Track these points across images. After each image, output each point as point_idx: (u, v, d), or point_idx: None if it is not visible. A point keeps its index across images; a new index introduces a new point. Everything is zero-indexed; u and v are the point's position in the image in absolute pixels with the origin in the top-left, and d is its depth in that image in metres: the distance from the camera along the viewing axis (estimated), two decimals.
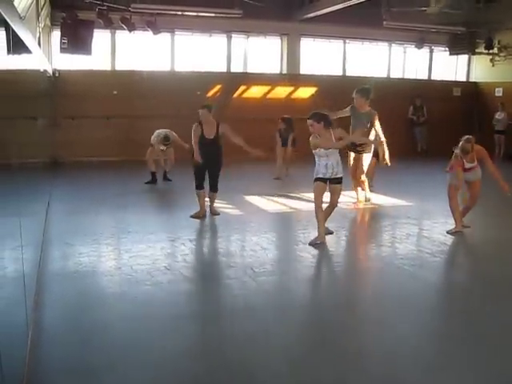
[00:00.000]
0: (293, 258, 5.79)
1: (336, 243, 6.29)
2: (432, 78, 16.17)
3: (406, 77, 15.78)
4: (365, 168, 7.92)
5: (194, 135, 7.07)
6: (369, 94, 7.86)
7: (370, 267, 5.71)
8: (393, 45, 15.45)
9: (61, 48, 10.95)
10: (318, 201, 6.02)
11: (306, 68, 14.62)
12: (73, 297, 4.45)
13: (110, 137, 12.33)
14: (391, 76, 15.58)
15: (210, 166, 7.19)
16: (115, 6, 11.61)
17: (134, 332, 3.79)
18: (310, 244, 5.99)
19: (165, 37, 13.18)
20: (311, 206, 6.53)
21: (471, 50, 15.04)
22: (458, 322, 4.13)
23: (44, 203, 7.50)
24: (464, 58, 16.09)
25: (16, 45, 4.84)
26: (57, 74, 12.10)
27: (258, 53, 14.41)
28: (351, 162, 8.13)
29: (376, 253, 6.06)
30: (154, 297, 4.50)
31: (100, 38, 12.27)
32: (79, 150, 12.10)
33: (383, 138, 7.77)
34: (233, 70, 14.18)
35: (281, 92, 14.02)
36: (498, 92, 15.08)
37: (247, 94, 13.82)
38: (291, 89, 14.13)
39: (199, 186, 7.26)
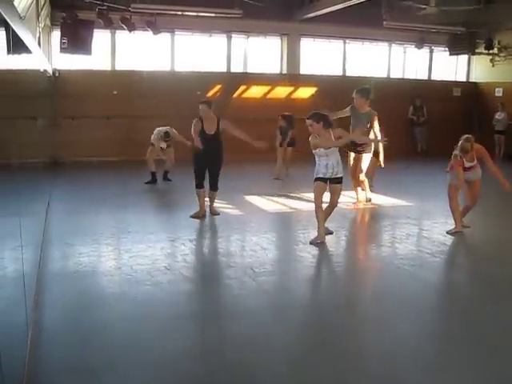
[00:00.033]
0: (293, 258, 5.79)
1: (336, 243, 6.29)
2: (432, 78, 16.17)
3: (406, 77, 15.78)
4: (364, 168, 7.92)
5: (194, 130, 7.06)
6: (369, 94, 7.86)
7: (370, 267, 5.72)
8: (393, 45, 15.45)
9: (61, 48, 10.95)
10: (318, 201, 6.03)
11: (305, 68, 14.62)
12: (73, 297, 4.45)
13: (110, 137, 12.33)
14: (391, 76, 15.58)
15: (210, 164, 7.16)
16: (115, 5, 11.61)
17: (133, 332, 3.79)
18: (311, 243, 5.99)
19: (165, 37, 13.17)
20: (311, 206, 6.53)
21: (471, 50, 15.04)
22: (458, 322, 4.13)
23: (44, 203, 7.50)
24: (464, 58, 16.09)
25: (16, 45, 4.84)
26: (57, 74, 12.09)
27: (258, 53, 14.41)
28: (351, 162, 8.13)
29: (376, 253, 6.06)
30: (154, 297, 4.50)
31: (100, 38, 12.27)
32: (79, 149, 12.10)
33: (378, 134, 7.73)
34: (233, 70, 14.18)
35: (281, 92, 14.02)
36: (498, 92, 15.08)
37: (247, 94, 13.82)
38: (291, 89, 14.13)
39: (199, 185, 7.25)
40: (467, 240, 6.55)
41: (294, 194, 8.90)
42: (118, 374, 3.23)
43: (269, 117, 11.88)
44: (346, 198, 7.99)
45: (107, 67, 13.15)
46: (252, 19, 13.00)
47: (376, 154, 8.15)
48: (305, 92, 14.14)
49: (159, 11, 12.15)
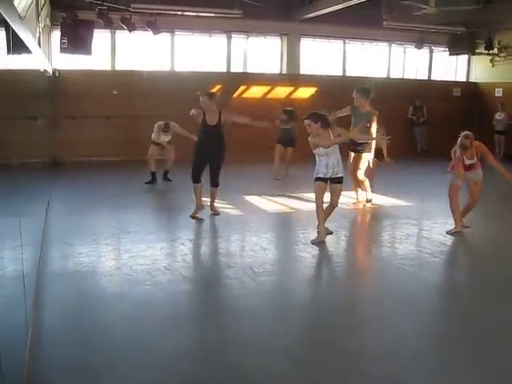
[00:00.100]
0: (292, 258, 5.79)
1: (336, 243, 6.29)
2: (432, 78, 16.17)
3: (405, 77, 15.78)
4: (363, 167, 7.91)
5: (196, 115, 7.06)
6: (369, 94, 7.85)
7: (370, 267, 5.72)
8: (393, 45, 15.45)
9: (61, 48, 10.95)
10: (318, 201, 6.02)
11: (305, 68, 14.62)
12: (72, 297, 4.45)
13: (110, 137, 12.33)
14: (391, 76, 15.58)
15: (211, 158, 7.09)
16: (115, 5, 11.61)
17: (133, 332, 3.79)
18: (312, 243, 5.98)
19: (165, 37, 13.17)
20: (311, 206, 6.53)
21: (471, 51, 15.04)
22: (458, 322, 4.13)
23: (44, 203, 7.50)
24: (464, 58, 16.09)
25: (16, 45, 4.84)
26: (57, 74, 12.09)
27: (258, 53, 14.41)
28: (351, 162, 8.13)
29: (376, 253, 6.06)
30: (154, 297, 4.50)
31: (100, 37, 12.26)
32: (79, 149, 12.10)
33: (374, 135, 7.69)
34: (233, 70, 14.17)
35: (281, 92, 14.02)
36: (498, 92, 15.08)
37: (247, 94, 13.82)
38: (291, 89, 14.14)
39: (195, 180, 7.16)
40: (467, 240, 6.55)
41: (294, 194, 8.90)
42: (117, 374, 3.23)
43: (269, 117, 11.85)
44: (346, 199, 7.99)
45: (107, 67, 13.15)
46: (252, 19, 13.00)
47: (376, 153, 8.15)
48: (305, 92, 14.14)
49: (159, 11, 12.15)
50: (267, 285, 4.87)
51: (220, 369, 3.33)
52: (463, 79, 16.47)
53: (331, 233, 6.33)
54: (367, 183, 8.06)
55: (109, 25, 11.61)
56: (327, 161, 5.94)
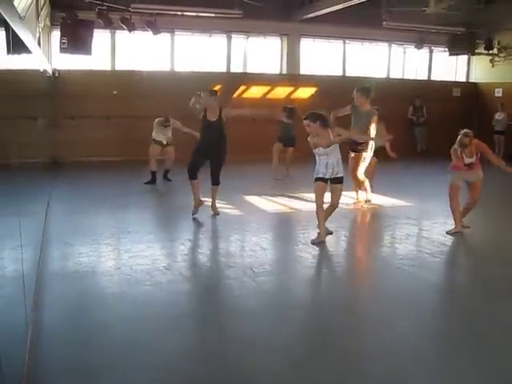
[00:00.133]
0: (292, 258, 5.79)
1: (336, 243, 6.29)
2: (432, 78, 16.17)
3: (405, 77, 15.78)
4: (362, 167, 7.91)
5: (196, 108, 7.09)
6: (369, 93, 7.86)
7: (370, 267, 5.72)
8: (392, 45, 15.45)
9: (61, 48, 10.95)
10: (318, 201, 6.01)
11: (305, 68, 14.62)
12: (72, 297, 4.45)
13: (110, 137, 12.33)
14: (391, 76, 15.58)
15: (211, 157, 7.08)
16: (115, 5, 11.61)
17: (133, 332, 3.79)
18: (312, 243, 5.98)
19: (165, 37, 13.17)
20: (311, 207, 6.53)
21: (471, 51, 15.04)
22: (459, 322, 4.13)
23: (44, 203, 7.49)
24: (464, 58, 16.10)
25: (16, 45, 4.83)
26: (57, 74, 12.09)
27: (258, 53, 14.41)
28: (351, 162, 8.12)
29: (376, 253, 6.06)
30: (154, 297, 4.49)
31: (100, 38, 12.26)
32: (79, 149, 12.10)
33: (373, 135, 7.68)
34: (233, 70, 14.17)
35: (280, 92, 14.02)
36: (498, 92, 15.08)
37: (247, 95, 13.82)
38: (291, 89, 14.14)
39: (192, 176, 7.12)
40: (467, 240, 6.55)
41: (293, 194, 8.89)
42: (117, 375, 3.23)
43: (268, 117, 11.87)
44: (346, 199, 7.98)
45: (107, 67, 13.15)
46: (252, 19, 13.00)
47: (378, 152, 8.15)
48: (304, 92, 14.14)
49: (159, 11, 12.15)
50: (267, 285, 4.87)
51: (220, 369, 3.33)
52: (463, 79, 16.47)
53: (331, 233, 6.32)
54: (367, 183, 8.07)
55: (109, 25, 11.61)
56: (327, 160, 5.94)
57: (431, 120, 14.82)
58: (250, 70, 14.26)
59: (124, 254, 5.63)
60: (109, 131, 12.35)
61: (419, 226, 7.33)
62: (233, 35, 13.99)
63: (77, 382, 3.17)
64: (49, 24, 11.13)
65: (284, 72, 14.54)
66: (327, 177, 5.97)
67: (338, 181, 6.02)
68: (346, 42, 14.95)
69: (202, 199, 7.34)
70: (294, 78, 14.33)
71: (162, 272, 5.07)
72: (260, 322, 4.04)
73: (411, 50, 15.32)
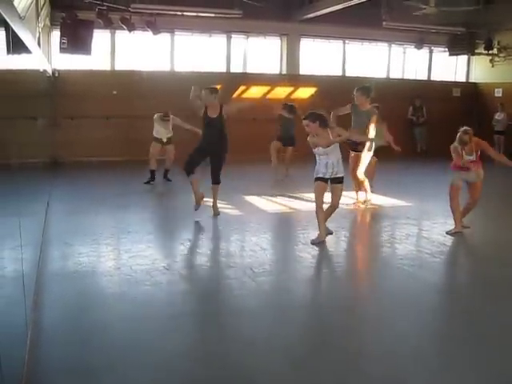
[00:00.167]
0: (292, 258, 5.79)
1: (336, 243, 6.29)
2: (432, 78, 16.17)
3: (405, 77, 15.79)
4: (363, 167, 7.91)
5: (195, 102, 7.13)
6: (369, 92, 7.87)
7: (370, 267, 5.72)
8: (392, 45, 15.45)
9: (60, 48, 10.96)
10: (318, 201, 6.00)
11: (305, 68, 14.62)
12: (72, 297, 4.45)
13: (110, 137, 12.33)
14: (391, 76, 15.58)
15: (212, 155, 7.07)
16: (115, 6, 11.62)
17: (133, 332, 3.79)
18: (312, 243, 5.98)
19: (164, 37, 13.18)
20: (311, 207, 6.53)
21: (471, 51, 15.05)
22: (459, 322, 4.13)
23: (44, 203, 7.49)
24: (463, 58, 16.10)
25: (16, 45, 4.83)
26: (56, 74, 12.09)
27: (258, 53, 14.41)
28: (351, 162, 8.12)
29: (375, 253, 6.06)
30: (154, 297, 4.49)
31: (100, 38, 12.27)
32: (79, 149, 12.10)
33: (372, 135, 7.65)
34: (232, 70, 14.18)
35: (280, 92, 14.02)
36: (498, 92, 15.09)
37: (247, 95, 13.82)
38: (291, 89, 14.14)
39: (188, 172, 7.09)
40: (467, 240, 6.55)
41: (293, 194, 8.89)
42: (117, 374, 3.23)
43: (268, 117, 11.87)
44: (346, 199, 7.98)
45: (107, 67, 13.15)
46: (252, 19, 13.00)
47: (377, 152, 8.15)
48: (304, 92, 14.14)
49: (159, 11, 12.16)
50: (267, 285, 4.87)
51: (220, 369, 3.32)
52: (463, 79, 16.48)
53: (331, 233, 6.31)
54: (367, 183, 8.05)
55: (108, 25, 11.62)
56: (327, 160, 5.93)
57: (431, 120, 14.83)
58: (249, 70, 14.26)
59: (124, 254, 5.63)
60: (109, 131, 12.35)
61: (419, 226, 7.34)
62: (233, 35, 14.00)
63: (77, 381, 3.17)
64: (49, 24, 11.13)
65: (284, 72, 14.55)
66: (327, 176, 5.96)
67: (338, 181, 6.01)
68: (346, 42, 14.95)
69: (204, 199, 7.32)
70: (293, 78, 14.33)
71: (161, 272, 5.07)
72: (260, 322, 4.04)
73: (411, 50, 15.33)
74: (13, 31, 4.09)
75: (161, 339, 3.70)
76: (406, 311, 4.26)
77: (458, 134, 6.24)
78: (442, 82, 15.96)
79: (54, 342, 3.63)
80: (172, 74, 13.46)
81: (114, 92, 12.49)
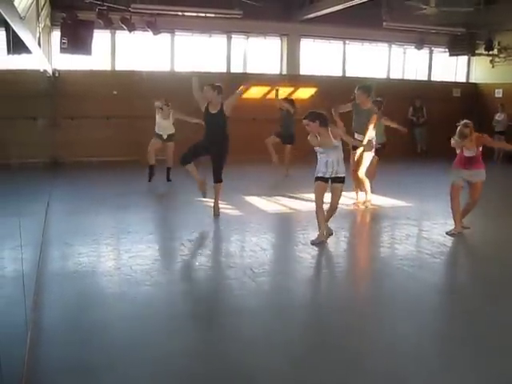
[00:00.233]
0: (292, 258, 5.79)
1: (336, 244, 6.29)
2: (432, 78, 16.17)
3: (405, 78, 15.78)
4: (364, 167, 7.91)
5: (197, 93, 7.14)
6: (370, 91, 7.89)
7: (370, 268, 5.72)
8: (393, 46, 15.45)
9: (61, 48, 10.96)
10: (318, 201, 5.98)
11: (305, 69, 14.62)
12: (72, 297, 4.45)
13: (110, 137, 12.32)
14: (391, 77, 15.58)
15: (212, 151, 7.05)
16: (115, 6, 11.61)
17: (133, 332, 3.79)
18: (312, 243, 5.97)
19: (165, 37, 13.18)
20: (311, 207, 6.53)
21: (471, 51, 15.05)
22: (459, 322, 4.13)
23: (44, 203, 7.49)
24: (464, 59, 16.10)
25: (16, 45, 4.84)
26: (57, 74, 12.09)
27: (258, 53, 14.41)
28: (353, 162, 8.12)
29: (375, 254, 6.06)
30: (154, 297, 4.50)
31: (100, 38, 12.27)
32: (79, 150, 12.09)
33: (367, 139, 7.60)
34: (233, 70, 14.18)
35: (280, 92, 13.98)
36: (498, 93, 15.09)
37: (247, 95, 13.77)
38: (291, 89, 14.13)
39: (183, 161, 7.06)
40: (467, 241, 6.55)
41: (293, 195, 8.89)
42: (117, 373, 3.23)
43: (268, 117, 11.89)
44: (346, 200, 7.98)
45: (107, 67, 13.15)
46: (252, 20, 13.00)
47: (378, 152, 8.16)
48: (304, 93, 14.14)
49: (159, 11, 12.16)
50: (267, 285, 4.87)
51: (220, 367, 3.33)
52: (463, 80, 16.47)
53: (331, 234, 6.29)
54: (367, 183, 8.04)
55: (109, 25, 11.62)
56: (326, 159, 5.92)
57: (431, 120, 14.82)
58: (250, 71, 14.25)
59: (124, 254, 5.63)
60: (109, 131, 12.35)
61: (419, 227, 7.34)
62: (233, 35, 14.00)
63: (77, 381, 3.17)
64: (49, 24, 11.13)
65: (284, 72, 14.54)
66: (327, 176, 5.95)
67: (338, 180, 5.98)
68: (346, 42, 14.95)
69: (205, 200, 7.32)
70: (294, 78, 14.32)
71: (161, 272, 5.07)
72: (260, 322, 4.04)
73: (411, 50, 15.32)
74: (13, 31, 4.09)
75: (161, 338, 3.70)
76: (406, 311, 4.26)
77: (459, 128, 6.20)
78: (443, 82, 15.95)
79: (54, 342, 3.63)
80: (172, 74, 13.45)
81: (115, 92, 12.49)
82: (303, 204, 8.18)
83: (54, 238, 6.24)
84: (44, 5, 8.48)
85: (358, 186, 8.13)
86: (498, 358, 3.49)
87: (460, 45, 14.77)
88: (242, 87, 7.36)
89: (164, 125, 9.84)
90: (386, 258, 5.80)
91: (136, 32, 12.17)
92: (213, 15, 12.70)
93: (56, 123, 11.75)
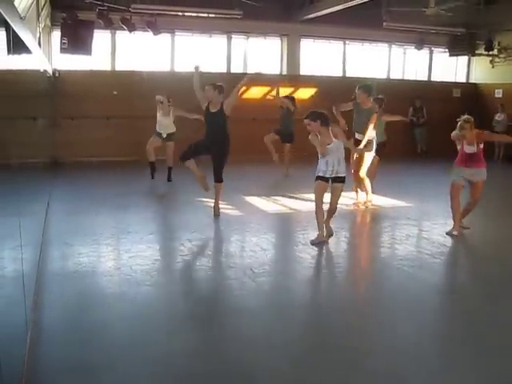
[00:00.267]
0: (292, 258, 5.79)
1: (336, 244, 6.28)
2: (432, 79, 16.17)
3: (405, 78, 15.78)
4: (365, 167, 7.91)
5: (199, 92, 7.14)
6: (371, 91, 7.89)
7: (370, 268, 5.72)
8: (393, 46, 15.45)
9: (61, 48, 10.96)
10: (318, 201, 5.97)
11: (305, 69, 14.62)
12: (72, 297, 4.45)
13: (110, 137, 12.32)
14: (391, 77, 15.58)
15: (212, 150, 7.05)
16: (115, 6, 11.61)
17: (133, 332, 3.79)
18: (312, 243, 5.97)
19: (165, 37, 13.18)
20: (311, 207, 6.53)
21: (471, 52, 15.05)
22: (459, 322, 4.13)
23: (44, 203, 7.50)
24: (464, 59, 16.10)
25: (16, 45, 4.84)
26: (57, 74, 12.09)
27: (258, 53, 14.41)
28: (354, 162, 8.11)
29: (375, 254, 6.06)
30: (154, 297, 4.50)
31: (100, 38, 12.27)
32: (79, 150, 12.09)
33: (366, 139, 7.64)
34: (233, 70, 14.18)
35: (281, 93, 13.99)
36: (498, 93, 15.09)
37: (247, 95, 13.81)
38: (291, 89, 14.13)
39: (183, 157, 7.07)
40: (467, 241, 6.55)
41: (293, 195, 8.89)
42: (117, 373, 3.23)
43: (268, 117, 11.89)
44: (346, 200, 7.98)
45: (107, 67, 13.15)
46: (252, 20, 13.00)
47: (379, 152, 8.15)
48: (305, 93, 14.14)
49: (159, 12, 12.16)
50: (267, 285, 4.87)
51: (220, 369, 3.33)
52: (463, 80, 16.47)
53: (331, 234, 6.25)
54: (368, 183, 8.03)
55: (109, 25, 11.62)
56: (327, 158, 5.92)
57: (431, 121, 14.82)
58: (250, 71, 14.24)
59: (124, 254, 5.63)
60: (109, 131, 12.35)
61: (419, 227, 7.34)
62: (233, 36, 14.00)
63: (77, 380, 3.17)
64: (49, 24, 11.14)
65: (284, 73, 14.54)
66: (327, 175, 5.94)
67: (338, 180, 5.97)
68: (346, 42, 14.95)
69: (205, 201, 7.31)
70: (294, 78, 14.33)
71: (161, 272, 5.07)
72: (260, 321, 4.04)
73: (411, 50, 15.32)
74: (13, 31, 4.09)
75: (161, 338, 3.70)
76: (406, 312, 4.26)
77: (459, 123, 6.20)
78: (443, 82, 15.96)
79: (54, 342, 3.63)
80: (172, 75, 13.45)
81: (115, 92, 12.49)
82: (303, 204, 8.17)
83: (54, 238, 6.24)
84: (44, 5, 8.48)
85: (359, 186, 8.12)
86: (498, 358, 3.49)
87: (460, 45, 14.78)
88: (247, 76, 7.33)
89: (164, 123, 9.82)
90: (386, 259, 5.80)
91: (136, 32, 12.17)
92: (213, 15, 12.70)
93: (56, 123, 11.75)
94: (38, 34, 6.86)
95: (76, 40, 10.83)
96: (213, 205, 7.34)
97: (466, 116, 6.23)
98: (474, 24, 14.20)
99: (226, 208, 7.78)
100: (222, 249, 6.26)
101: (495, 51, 14.82)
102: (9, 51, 5.01)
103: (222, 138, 7.07)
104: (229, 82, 7.34)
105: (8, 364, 2.60)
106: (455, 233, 6.45)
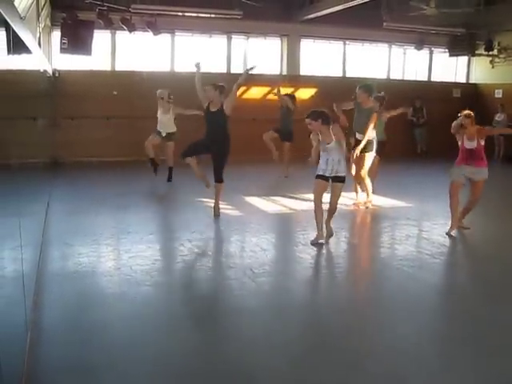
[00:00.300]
0: (292, 259, 5.79)
1: (335, 244, 6.28)
2: (432, 79, 16.17)
3: (405, 78, 15.78)
4: (367, 167, 7.90)
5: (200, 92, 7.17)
6: (372, 90, 7.90)
7: (370, 268, 5.72)
8: (393, 46, 15.45)
9: (61, 48, 10.96)
10: (317, 200, 5.98)
11: (306, 69, 14.62)
12: (72, 297, 4.45)
13: (110, 137, 12.32)
14: (391, 77, 15.58)
15: (212, 149, 7.05)
16: (115, 6, 11.62)
17: (133, 331, 3.79)
18: (312, 243, 5.97)
19: (165, 37, 13.18)
20: (311, 207, 6.52)
21: (471, 52, 15.05)
22: (459, 322, 4.13)
23: (44, 203, 7.49)
24: (464, 59, 16.10)
25: (16, 45, 4.84)
26: (57, 74, 12.09)
27: (258, 54, 14.41)
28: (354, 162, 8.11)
29: (375, 254, 6.06)
30: (154, 297, 4.50)
31: (100, 38, 12.27)
32: (79, 150, 12.09)
33: (366, 139, 7.65)
34: (233, 70, 14.18)
35: (282, 92, 13.99)
36: (498, 93, 15.09)
37: (247, 95, 13.82)
38: (291, 90, 14.12)
39: (184, 154, 7.09)
40: (467, 241, 6.55)
41: (294, 195, 8.89)
42: (117, 372, 3.23)
43: (268, 117, 11.88)
44: (346, 199, 7.99)
45: (107, 68, 13.15)
46: (252, 20, 13.01)
47: (379, 152, 8.15)
48: (305, 93, 14.14)
49: (159, 12, 12.16)
50: (267, 285, 4.87)
51: (220, 369, 3.33)
52: (463, 80, 16.48)
53: (332, 235, 6.24)
54: (368, 183, 8.03)
55: (109, 25, 11.62)
56: (327, 156, 5.92)
57: (431, 121, 14.82)
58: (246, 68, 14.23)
59: (124, 254, 5.63)
60: (109, 131, 12.35)
61: (419, 227, 7.34)
62: (233, 36, 14.00)
63: (77, 380, 3.17)
64: (49, 24, 11.14)
65: (284, 73, 14.55)
66: (327, 174, 5.93)
67: (338, 180, 5.97)
68: (347, 42, 14.95)
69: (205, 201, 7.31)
70: (294, 78, 14.32)
71: (161, 272, 5.07)
72: (259, 322, 4.04)
73: (411, 50, 15.32)
74: (13, 31, 4.09)
75: (161, 338, 3.70)
76: (406, 312, 4.26)
77: (460, 118, 6.20)
78: (442, 82, 15.96)
79: (54, 342, 3.63)
80: (172, 75, 13.45)
81: (115, 92, 12.49)
82: (303, 204, 8.17)
83: (54, 238, 6.24)
84: (44, 5, 8.48)
85: (360, 186, 8.12)
86: (498, 358, 3.49)
87: (460, 45, 14.78)
88: (243, 73, 7.34)
89: (164, 121, 9.81)
90: (386, 259, 5.79)
91: (136, 32, 12.17)
92: (213, 16, 12.70)
93: (56, 123, 11.75)
94: (38, 34, 6.86)
95: (76, 40, 10.83)
96: (213, 205, 7.35)
97: (466, 111, 6.23)
98: (474, 24, 14.20)
99: (226, 208, 7.78)
100: (222, 249, 6.26)
101: (495, 51, 14.82)
102: (9, 51, 5.00)
103: (222, 138, 7.07)
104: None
105: (8, 364, 2.60)
106: (452, 233, 6.45)
